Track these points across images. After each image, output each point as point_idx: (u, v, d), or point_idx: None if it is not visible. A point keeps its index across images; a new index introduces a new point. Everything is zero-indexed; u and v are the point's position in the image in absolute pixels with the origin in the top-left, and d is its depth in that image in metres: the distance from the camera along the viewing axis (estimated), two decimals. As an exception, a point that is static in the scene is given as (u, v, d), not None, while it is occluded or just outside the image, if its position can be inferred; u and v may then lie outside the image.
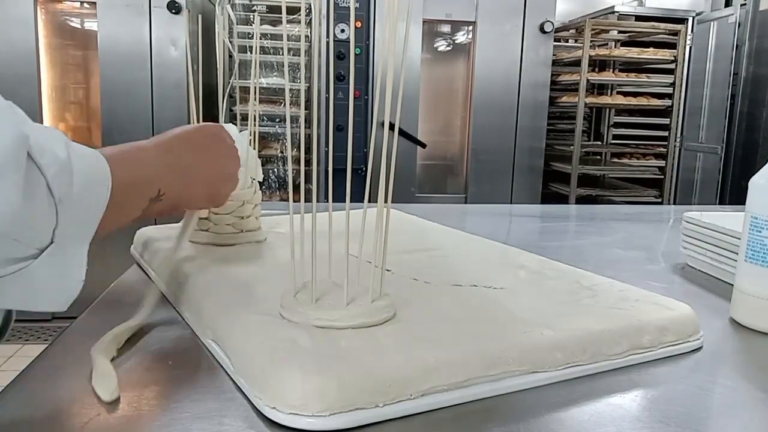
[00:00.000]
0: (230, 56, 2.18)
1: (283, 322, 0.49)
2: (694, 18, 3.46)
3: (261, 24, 2.62)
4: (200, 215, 0.71)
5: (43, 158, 0.37)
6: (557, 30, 3.09)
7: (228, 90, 0.83)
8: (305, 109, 2.63)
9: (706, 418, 0.44)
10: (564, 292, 0.61)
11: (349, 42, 2.71)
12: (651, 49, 3.19)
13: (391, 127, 0.49)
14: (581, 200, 3.10)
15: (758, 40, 3.18)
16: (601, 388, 0.47)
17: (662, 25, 3.11)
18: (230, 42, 2.54)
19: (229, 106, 2.47)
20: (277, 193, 2.98)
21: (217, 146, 0.62)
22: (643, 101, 3.26)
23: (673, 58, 3.12)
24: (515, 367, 0.46)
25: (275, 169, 2.97)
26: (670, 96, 3.21)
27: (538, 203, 3.05)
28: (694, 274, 0.82)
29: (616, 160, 3.50)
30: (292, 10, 2.66)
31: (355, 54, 2.79)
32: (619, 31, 3.43)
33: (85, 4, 2.79)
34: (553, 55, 3.04)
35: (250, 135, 0.77)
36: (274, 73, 2.93)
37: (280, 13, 0.61)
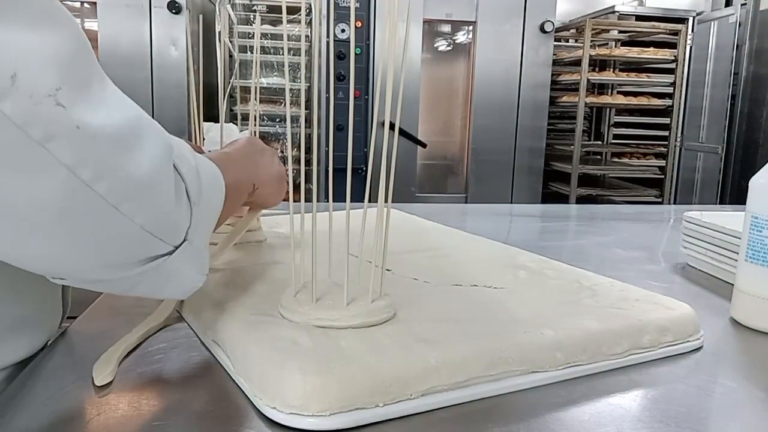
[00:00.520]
0: (230, 56, 2.18)
1: (283, 322, 0.49)
2: (694, 18, 3.46)
3: (261, 24, 2.62)
4: (254, 220, 0.74)
5: (182, 166, 0.42)
6: (557, 30, 3.08)
7: (228, 90, 0.83)
8: (305, 109, 2.63)
9: (706, 418, 0.44)
10: (564, 292, 0.61)
11: (349, 42, 2.71)
12: (651, 48, 3.19)
13: (392, 126, 0.49)
14: (581, 200, 3.10)
15: (758, 39, 3.18)
16: (601, 388, 0.47)
17: (662, 24, 3.11)
18: (231, 42, 2.54)
19: (229, 106, 2.47)
20: (278, 192, 2.97)
21: (265, 152, 0.67)
22: (643, 101, 3.25)
23: (673, 58, 3.11)
24: (515, 367, 0.46)
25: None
26: (670, 96, 3.21)
27: (538, 203, 3.05)
28: (695, 273, 0.82)
29: (616, 159, 3.50)
30: (293, 10, 2.66)
31: (356, 54, 2.79)
32: (620, 31, 3.43)
33: (85, 4, 2.79)
34: (554, 54, 3.04)
35: (251, 135, 0.77)
36: (275, 73, 2.93)
37: (281, 13, 0.61)
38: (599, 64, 3.46)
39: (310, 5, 2.33)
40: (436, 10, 2.89)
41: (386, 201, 0.50)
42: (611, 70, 3.41)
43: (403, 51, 0.50)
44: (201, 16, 0.81)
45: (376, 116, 0.49)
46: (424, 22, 2.89)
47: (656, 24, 3.11)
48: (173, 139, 0.43)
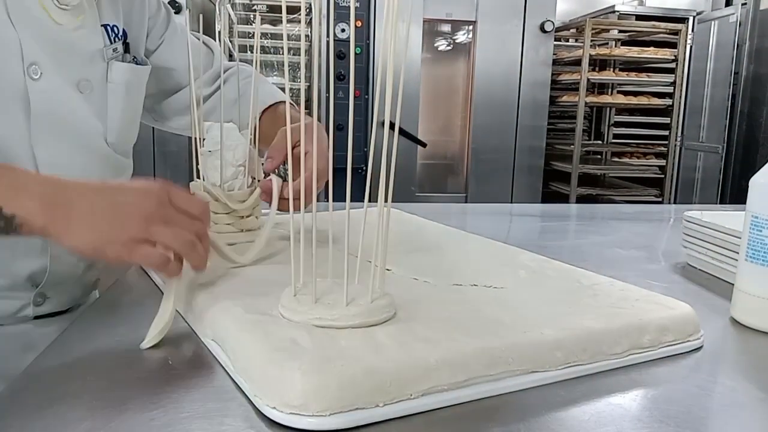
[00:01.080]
0: (230, 56, 2.18)
1: (283, 322, 0.49)
2: (694, 17, 3.46)
3: (261, 23, 2.61)
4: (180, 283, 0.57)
5: None
6: (558, 29, 3.09)
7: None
8: (305, 109, 2.63)
9: (706, 418, 0.44)
10: (564, 292, 0.61)
11: (349, 41, 2.71)
12: (651, 48, 3.19)
13: (392, 126, 0.49)
14: (582, 199, 3.10)
15: (759, 39, 3.18)
16: (601, 387, 0.47)
17: (663, 24, 3.11)
18: (230, 41, 2.54)
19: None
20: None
21: (127, 197, 0.53)
22: (643, 100, 3.26)
23: (673, 58, 3.12)
24: (515, 367, 0.46)
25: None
26: (670, 95, 3.21)
27: (538, 202, 3.05)
28: (695, 273, 0.82)
29: (616, 159, 3.50)
30: (293, 10, 2.66)
31: (356, 53, 2.79)
32: (620, 31, 3.43)
33: (86, 4, 2.79)
34: (554, 54, 3.04)
35: (251, 135, 0.77)
36: (275, 73, 2.93)
37: (281, 13, 0.61)
38: (599, 64, 3.46)
39: (310, 5, 2.33)
40: (436, 9, 2.90)
41: (386, 201, 0.50)
42: (611, 69, 3.41)
43: (404, 51, 0.50)
44: (201, 16, 0.81)
45: (376, 116, 0.49)
46: (424, 21, 2.89)
47: (656, 24, 3.12)
48: None
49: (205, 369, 0.48)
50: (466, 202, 3.04)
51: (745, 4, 3.26)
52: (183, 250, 0.53)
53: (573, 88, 3.16)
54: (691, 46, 3.49)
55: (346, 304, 0.49)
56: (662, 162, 3.26)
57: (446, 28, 3.06)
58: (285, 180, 0.74)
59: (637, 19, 3.25)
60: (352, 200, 0.49)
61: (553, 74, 3.07)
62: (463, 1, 2.90)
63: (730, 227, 0.74)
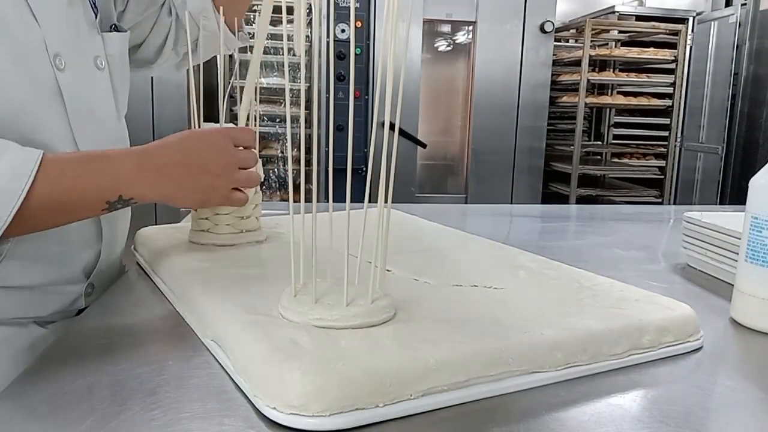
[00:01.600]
0: (230, 56, 2.18)
1: (283, 322, 0.49)
2: (694, 18, 3.46)
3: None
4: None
5: None
6: (557, 30, 3.09)
7: (228, 90, 0.83)
8: (305, 109, 2.63)
9: (706, 418, 0.44)
10: (564, 292, 0.61)
11: (349, 42, 2.71)
12: (651, 49, 3.19)
13: (392, 127, 0.49)
14: (581, 200, 3.10)
15: (759, 39, 3.18)
16: (601, 388, 0.47)
17: (662, 25, 3.11)
18: (230, 42, 2.53)
19: (229, 106, 2.47)
20: (278, 193, 2.98)
21: (206, 157, 0.65)
22: (643, 101, 3.26)
23: (673, 58, 3.12)
24: (515, 367, 0.46)
25: (275, 169, 2.97)
26: (670, 96, 3.21)
27: (538, 203, 3.05)
28: (695, 274, 0.82)
29: (616, 160, 3.50)
30: (292, 10, 2.66)
31: (356, 54, 2.79)
32: (620, 31, 3.43)
33: (86, 4, 2.79)
34: (554, 55, 3.04)
35: (256, 137, 0.77)
36: (275, 73, 2.93)
37: (280, 13, 0.61)
38: (599, 65, 3.46)
39: (310, 5, 2.33)
40: (436, 10, 2.90)
41: (386, 201, 0.50)
42: (611, 70, 3.41)
43: (404, 51, 0.50)
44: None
45: (376, 116, 0.49)
46: (424, 22, 2.89)
47: (656, 24, 3.12)
48: None
49: (205, 369, 0.48)
50: (466, 202, 3.04)
51: (745, 4, 3.26)
52: (253, 186, 0.70)
53: (573, 88, 3.16)
54: (690, 47, 3.49)
55: (346, 305, 0.49)
56: (662, 163, 3.26)
57: (446, 28, 3.06)
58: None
59: (636, 20, 3.25)
60: (352, 201, 0.49)
61: (553, 75, 3.06)
62: (463, 2, 2.90)
63: (729, 228, 0.74)
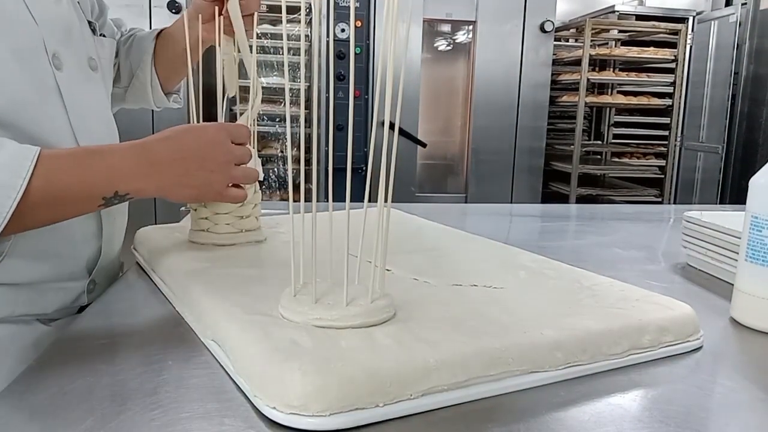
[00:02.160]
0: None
1: (283, 322, 0.49)
2: (694, 17, 3.46)
3: (261, 23, 2.61)
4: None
5: None
6: (557, 29, 3.09)
7: (237, 91, 0.83)
8: (305, 109, 2.62)
9: (706, 418, 0.44)
10: (564, 292, 0.61)
11: (349, 41, 2.71)
12: (651, 48, 3.19)
13: (392, 126, 0.49)
14: (581, 200, 3.10)
15: (759, 39, 3.18)
16: (601, 388, 0.47)
17: (663, 24, 3.11)
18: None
19: (229, 106, 2.47)
20: (277, 192, 2.97)
21: (203, 152, 0.64)
22: (643, 100, 3.26)
23: (673, 58, 3.11)
24: (515, 367, 0.46)
25: (275, 169, 2.97)
26: (670, 95, 3.21)
27: (538, 203, 3.05)
28: (695, 273, 0.82)
29: (616, 159, 3.50)
30: (292, 10, 2.66)
31: (355, 53, 2.79)
32: (620, 31, 3.43)
33: (86, 4, 2.79)
34: (554, 54, 3.04)
35: (251, 134, 0.77)
36: (275, 73, 2.93)
37: (280, 13, 0.61)
38: (599, 64, 3.46)
39: (310, 5, 2.33)
40: (436, 9, 2.89)
41: (386, 201, 0.50)
42: (611, 69, 3.41)
43: (404, 51, 0.50)
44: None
45: (376, 116, 0.49)
46: (424, 21, 2.89)
47: (656, 24, 3.12)
48: None
49: (205, 369, 0.48)
50: (466, 202, 3.04)
51: (745, 4, 3.26)
52: (250, 182, 0.70)
53: (573, 88, 3.16)
54: (690, 47, 3.49)
55: (346, 305, 0.49)
56: (662, 162, 3.26)
57: (446, 28, 3.06)
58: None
59: (637, 19, 3.25)
60: (352, 200, 0.49)
61: (553, 74, 3.06)
62: (463, 1, 2.90)
63: (729, 227, 0.74)
